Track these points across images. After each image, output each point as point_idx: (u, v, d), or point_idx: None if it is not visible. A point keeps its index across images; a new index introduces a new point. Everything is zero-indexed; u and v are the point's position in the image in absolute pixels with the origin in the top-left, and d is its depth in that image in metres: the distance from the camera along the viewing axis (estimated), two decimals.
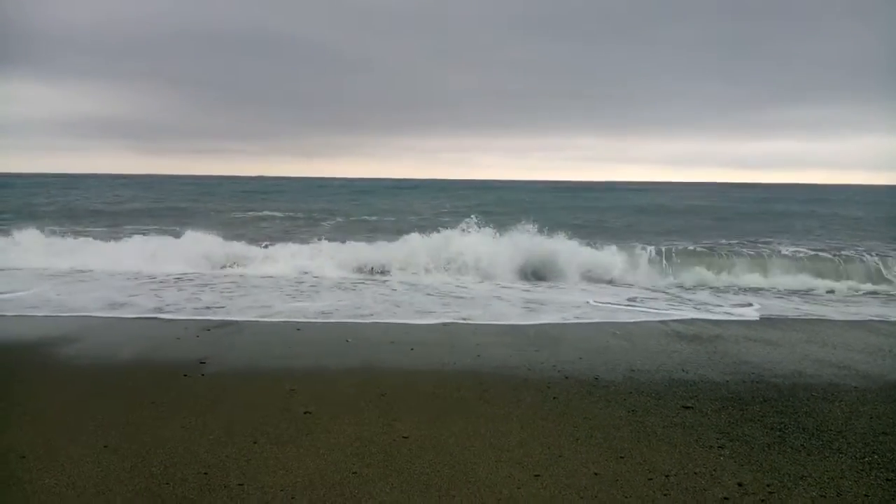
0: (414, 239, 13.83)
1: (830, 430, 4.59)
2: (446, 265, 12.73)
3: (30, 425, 4.51)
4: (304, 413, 4.81)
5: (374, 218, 27.66)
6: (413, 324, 8.22)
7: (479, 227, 14.07)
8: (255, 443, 4.24)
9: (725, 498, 3.55)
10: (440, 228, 14.48)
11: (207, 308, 9.07)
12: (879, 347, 7.20)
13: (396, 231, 17.42)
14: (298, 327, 7.92)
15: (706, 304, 10.15)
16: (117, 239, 15.33)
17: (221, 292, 10.38)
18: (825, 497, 3.58)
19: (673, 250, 14.21)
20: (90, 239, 15.49)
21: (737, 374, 5.99)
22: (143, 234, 15.90)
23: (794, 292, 11.64)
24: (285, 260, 13.32)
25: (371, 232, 20.33)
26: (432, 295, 10.52)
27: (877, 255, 13.75)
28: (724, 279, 12.52)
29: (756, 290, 11.75)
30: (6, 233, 14.85)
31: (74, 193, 44.28)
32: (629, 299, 10.37)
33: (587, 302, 10.07)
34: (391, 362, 6.30)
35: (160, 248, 13.83)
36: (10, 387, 5.49)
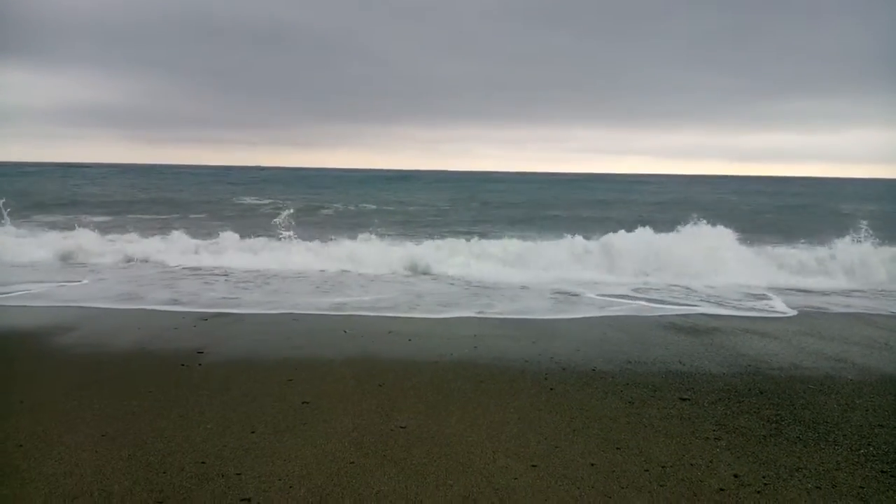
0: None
1: (826, 422, 4.61)
2: None
3: (28, 414, 4.51)
4: (302, 403, 4.81)
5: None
6: (412, 317, 8.23)
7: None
8: (252, 432, 4.24)
9: (721, 489, 3.56)
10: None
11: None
12: (876, 340, 7.21)
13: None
14: (296, 318, 7.92)
15: None
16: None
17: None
18: (820, 489, 3.59)
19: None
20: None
21: (734, 367, 6.00)
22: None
23: None
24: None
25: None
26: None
27: None
28: None
29: None
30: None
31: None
32: None
33: None
34: (389, 353, 6.30)
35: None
36: (8, 376, 5.49)
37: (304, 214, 22.16)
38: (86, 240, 13.68)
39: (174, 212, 26.13)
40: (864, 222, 12.94)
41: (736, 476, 3.72)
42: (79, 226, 14.96)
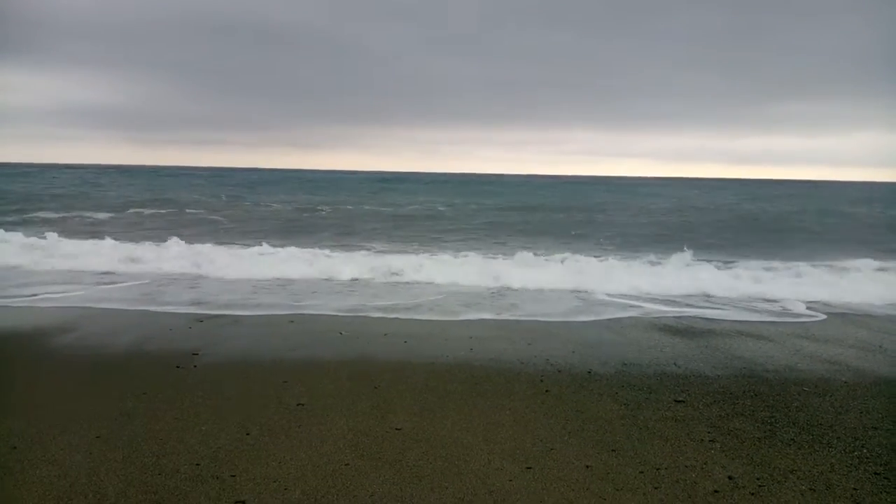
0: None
1: (821, 424, 4.62)
2: None
3: (21, 416, 4.49)
4: (297, 405, 4.80)
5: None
6: (409, 319, 8.22)
7: None
8: (247, 434, 4.24)
9: (716, 491, 3.57)
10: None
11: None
12: (870, 343, 7.24)
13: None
14: (292, 319, 7.91)
15: None
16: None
17: None
18: (815, 491, 3.60)
19: None
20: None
21: (728, 369, 6.02)
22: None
23: None
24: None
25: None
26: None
27: None
28: None
29: None
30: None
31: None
32: None
33: None
34: (384, 355, 6.30)
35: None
36: (2, 377, 5.47)
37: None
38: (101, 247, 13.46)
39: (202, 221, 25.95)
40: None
41: (730, 478, 3.73)
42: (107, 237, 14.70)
